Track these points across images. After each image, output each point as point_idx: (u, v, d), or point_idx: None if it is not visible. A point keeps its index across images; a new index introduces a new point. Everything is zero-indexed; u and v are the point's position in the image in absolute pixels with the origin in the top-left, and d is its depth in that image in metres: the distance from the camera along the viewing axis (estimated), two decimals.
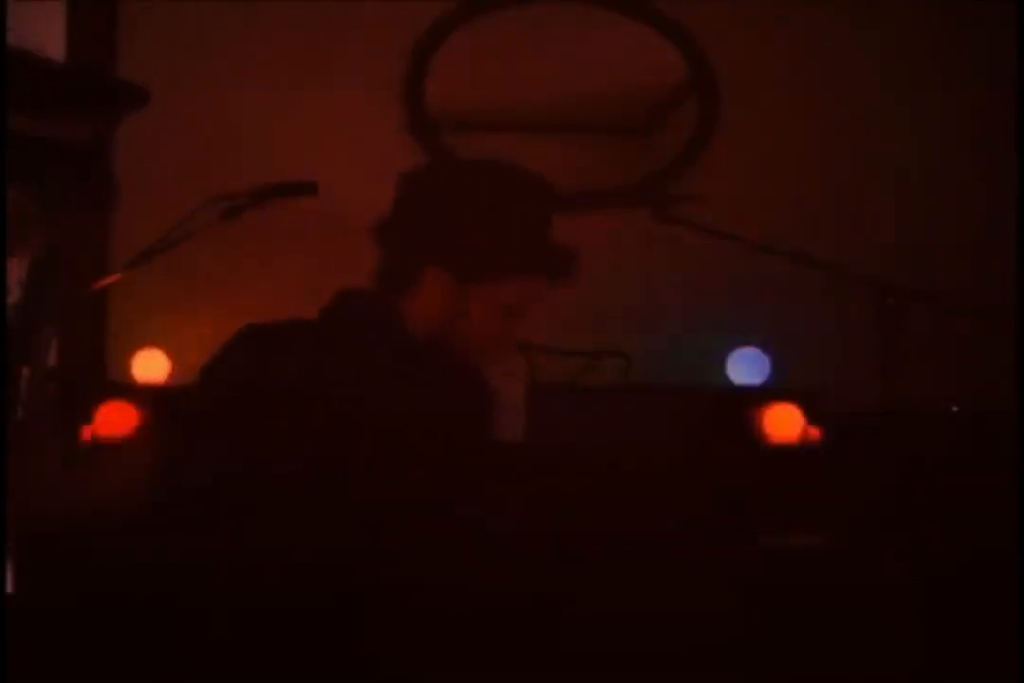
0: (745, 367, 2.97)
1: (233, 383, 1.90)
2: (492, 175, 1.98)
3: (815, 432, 2.74)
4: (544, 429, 2.62)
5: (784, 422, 2.75)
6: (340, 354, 1.88)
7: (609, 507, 2.37)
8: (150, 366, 2.90)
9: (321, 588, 1.77)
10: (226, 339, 1.94)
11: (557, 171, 3.17)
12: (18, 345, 1.96)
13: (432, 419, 1.82)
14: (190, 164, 3.04)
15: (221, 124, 3.08)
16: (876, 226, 3.18)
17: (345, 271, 1.98)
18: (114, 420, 2.68)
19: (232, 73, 3.11)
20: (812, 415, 2.75)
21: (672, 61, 3.18)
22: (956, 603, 2.35)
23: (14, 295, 1.92)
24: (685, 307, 3.12)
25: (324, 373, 1.85)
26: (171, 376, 2.89)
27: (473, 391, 1.91)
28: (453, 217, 1.93)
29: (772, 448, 2.72)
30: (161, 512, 1.92)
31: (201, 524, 1.83)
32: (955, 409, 2.81)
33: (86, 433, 2.68)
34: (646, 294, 3.13)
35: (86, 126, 1.56)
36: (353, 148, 3.11)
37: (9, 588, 2.10)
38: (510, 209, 1.94)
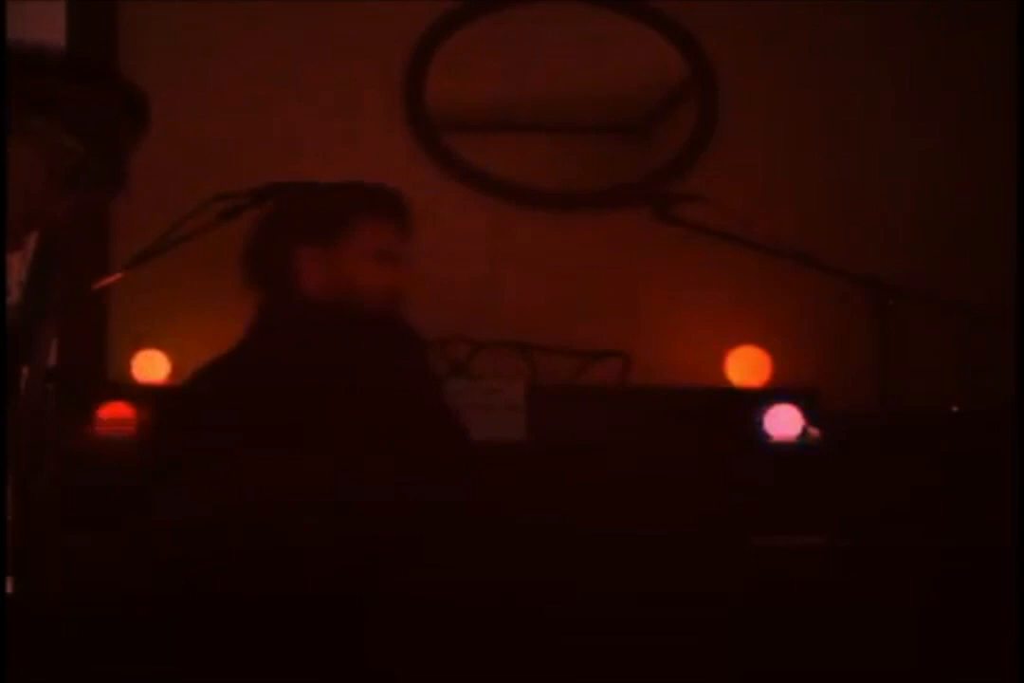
0: (745, 367, 2.97)
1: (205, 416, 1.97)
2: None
3: (815, 432, 2.74)
4: (544, 429, 2.62)
5: (784, 422, 2.75)
6: (291, 363, 1.97)
7: (608, 507, 2.37)
8: (150, 366, 2.90)
9: (321, 588, 1.77)
10: (190, 376, 2.04)
11: (557, 171, 3.22)
12: (18, 345, 1.96)
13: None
14: (190, 164, 3.04)
15: (221, 124, 3.08)
16: (876, 226, 3.18)
17: None
18: (114, 420, 2.68)
19: (232, 73, 3.10)
20: (812, 415, 2.75)
21: (672, 61, 3.18)
22: (956, 603, 2.35)
23: (14, 295, 1.92)
24: (685, 307, 3.12)
25: (285, 384, 1.92)
26: (171, 376, 2.88)
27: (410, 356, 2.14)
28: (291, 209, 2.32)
29: (772, 448, 2.72)
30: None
31: (201, 527, 1.83)
32: (955, 409, 2.81)
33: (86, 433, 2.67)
34: (646, 294, 3.12)
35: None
36: (353, 148, 3.10)
37: (9, 588, 2.10)
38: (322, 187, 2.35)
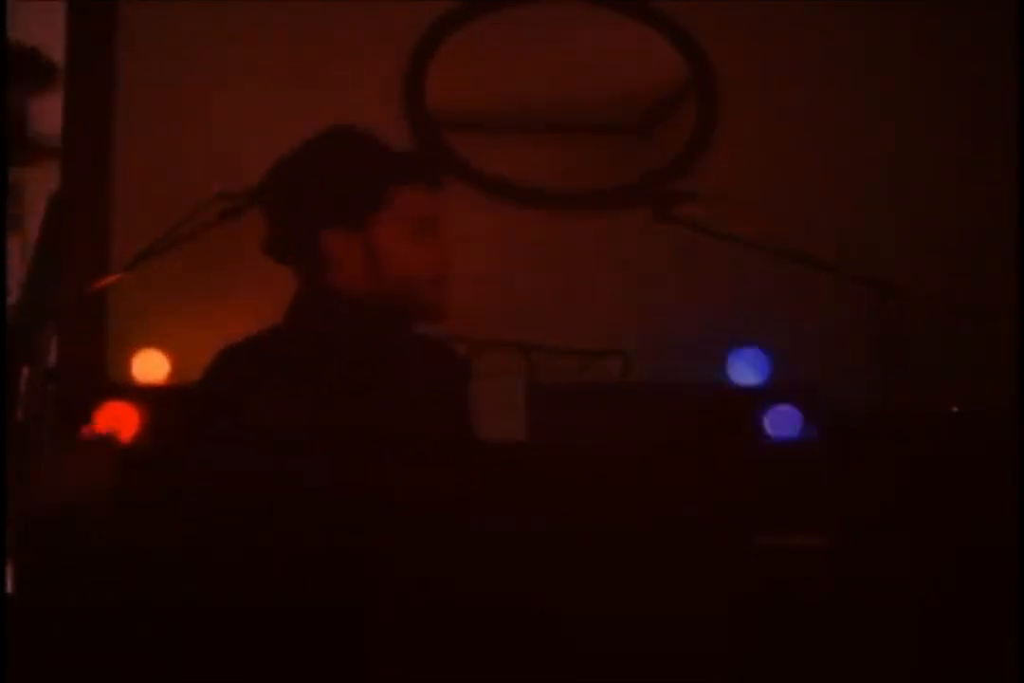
0: (745, 367, 2.97)
1: (227, 399, 1.89)
2: (321, 137, 2.08)
3: (815, 432, 2.74)
4: (544, 428, 2.62)
5: (784, 422, 2.76)
6: (320, 358, 1.90)
7: (608, 506, 2.38)
8: (150, 366, 2.90)
9: (320, 588, 1.77)
10: (208, 364, 1.93)
11: (557, 171, 3.22)
12: (18, 345, 1.96)
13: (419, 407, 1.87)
14: (190, 164, 3.04)
15: (221, 124, 3.08)
16: (876, 226, 3.18)
17: None
18: (114, 420, 2.68)
19: (232, 73, 3.10)
20: (812, 415, 2.75)
21: (672, 61, 3.18)
22: (956, 603, 2.35)
23: (14, 295, 1.93)
24: (685, 307, 3.12)
25: (310, 378, 1.86)
26: (171, 376, 2.89)
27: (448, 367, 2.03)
28: (309, 177, 1.98)
29: (772, 448, 2.72)
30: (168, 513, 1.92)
31: (204, 525, 1.83)
32: (955, 409, 2.81)
33: (86, 433, 2.68)
34: (646, 294, 3.12)
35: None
36: None
37: (9, 588, 2.10)
38: (350, 149, 2.04)
